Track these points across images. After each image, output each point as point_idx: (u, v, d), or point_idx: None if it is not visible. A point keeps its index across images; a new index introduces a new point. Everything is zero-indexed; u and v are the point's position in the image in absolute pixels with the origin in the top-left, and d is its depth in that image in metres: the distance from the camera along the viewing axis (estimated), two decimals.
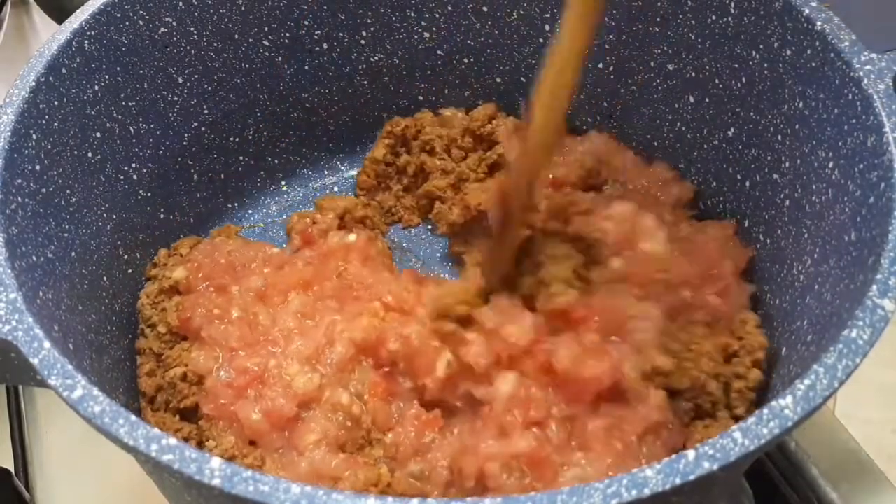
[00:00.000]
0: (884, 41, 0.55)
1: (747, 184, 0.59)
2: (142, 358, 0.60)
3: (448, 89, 0.73)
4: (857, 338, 0.39)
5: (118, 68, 0.59)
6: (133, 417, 0.38)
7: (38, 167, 0.52)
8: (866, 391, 0.69)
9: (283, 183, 0.75)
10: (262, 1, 0.66)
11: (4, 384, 0.70)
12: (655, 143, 0.67)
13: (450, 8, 0.68)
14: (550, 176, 0.65)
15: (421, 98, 0.74)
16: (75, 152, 0.56)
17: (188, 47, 0.64)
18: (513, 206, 0.53)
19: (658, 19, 0.62)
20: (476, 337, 0.53)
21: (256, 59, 0.68)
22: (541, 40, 0.68)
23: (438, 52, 0.71)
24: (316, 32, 0.69)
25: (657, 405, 0.50)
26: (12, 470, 0.64)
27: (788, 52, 0.54)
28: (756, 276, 0.59)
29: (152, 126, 0.64)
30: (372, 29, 0.70)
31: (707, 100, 0.61)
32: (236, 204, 0.73)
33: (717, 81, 0.60)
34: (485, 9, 0.68)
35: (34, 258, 0.49)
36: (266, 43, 0.68)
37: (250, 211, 0.74)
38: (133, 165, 0.63)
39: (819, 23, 0.51)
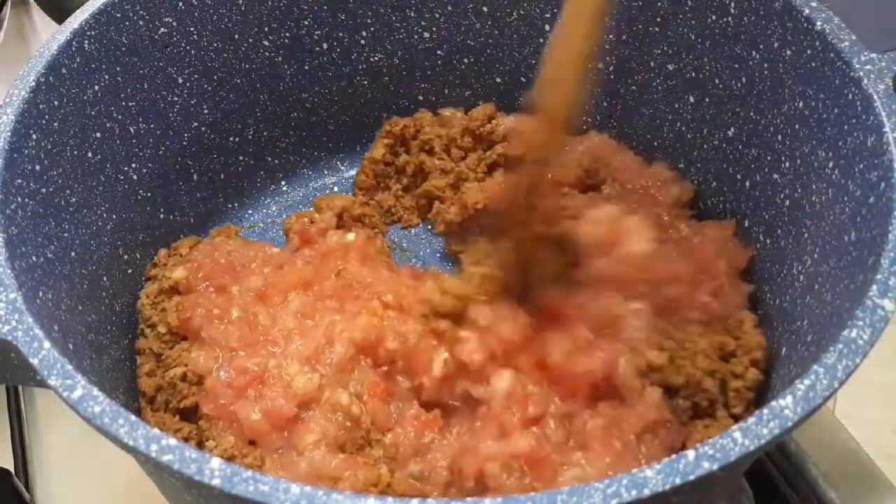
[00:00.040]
0: (884, 41, 0.55)
1: (747, 184, 0.59)
2: (142, 358, 0.60)
3: (448, 89, 0.73)
4: (857, 338, 0.39)
5: (118, 68, 0.59)
6: (133, 417, 0.38)
7: (38, 167, 0.52)
8: (866, 391, 0.69)
9: (283, 183, 0.75)
10: (262, 1, 0.66)
11: (4, 384, 0.70)
12: (655, 143, 0.67)
13: (450, 8, 0.68)
14: (549, 175, 0.65)
15: (421, 98, 0.74)
16: (75, 152, 0.56)
17: (188, 47, 0.64)
18: (520, 203, 0.53)
19: (658, 19, 0.62)
20: (470, 335, 0.53)
21: (256, 59, 0.68)
22: (541, 40, 0.68)
23: (438, 52, 0.71)
24: (316, 32, 0.69)
25: (654, 403, 0.50)
26: (12, 470, 0.64)
27: (788, 52, 0.54)
28: (756, 276, 0.59)
29: (152, 126, 0.64)
30: (372, 29, 0.70)
31: (707, 100, 0.61)
32: (236, 204, 0.73)
33: (717, 81, 0.60)
34: (485, 9, 0.68)
35: (34, 258, 0.49)
36: (266, 43, 0.68)
37: (250, 211, 0.74)
38: (133, 165, 0.63)
39: (819, 23, 0.51)
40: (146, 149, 0.64)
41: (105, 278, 0.59)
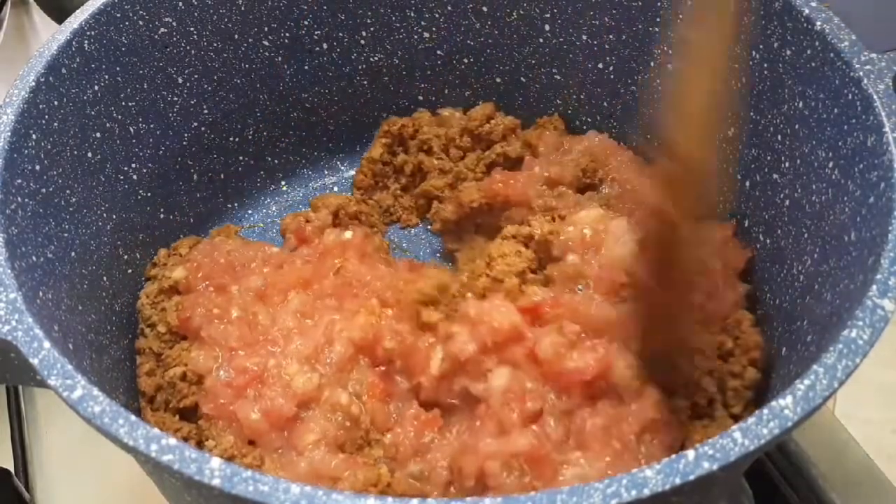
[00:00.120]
0: (884, 41, 0.55)
1: (747, 184, 0.59)
2: (141, 358, 0.60)
3: (448, 89, 0.73)
4: (857, 338, 0.39)
5: (118, 68, 0.59)
6: (133, 417, 0.38)
7: (38, 167, 0.52)
8: (866, 391, 0.69)
9: (282, 183, 0.75)
10: (262, 1, 0.66)
11: (4, 384, 0.70)
12: (655, 143, 0.67)
13: (450, 8, 0.68)
14: (546, 174, 0.65)
15: (421, 98, 0.74)
16: (75, 152, 0.56)
17: (188, 47, 0.64)
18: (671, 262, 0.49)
19: (658, 19, 0.62)
20: (460, 328, 0.53)
21: (256, 59, 0.68)
22: (541, 40, 0.68)
23: (438, 52, 0.71)
24: (316, 32, 0.69)
25: (653, 403, 0.50)
26: (12, 470, 0.64)
27: (788, 52, 0.53)
28: (756, 276, 0.59)
29: (152, 126, 0.64)
30: (372, 29, 0.70)
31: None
32: (236, 204, 0.73)
33: None
34: (485, 9, 0.68)
35: (34, 258, 0.49)
36: (266, 43, 0.68)
37: (250, 211, 0.74)
38: (133, 165, 0.63)
39: (819, 23, 0.51)
40: (146, 149, 0.64)
41: (105, 278, 0.59)
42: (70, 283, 0.53)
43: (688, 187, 0.47)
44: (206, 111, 0.68)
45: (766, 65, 0.56)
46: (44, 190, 0.52)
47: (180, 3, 0.62)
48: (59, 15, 0.87)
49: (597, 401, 0.51)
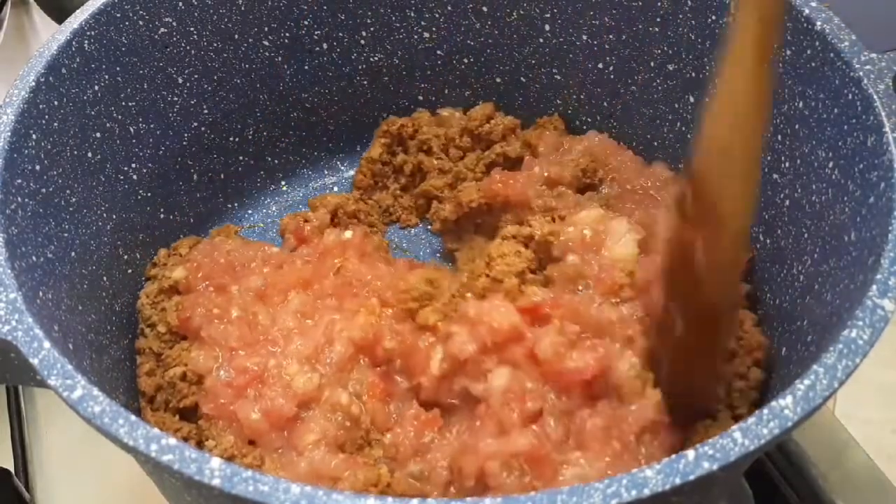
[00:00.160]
0: (884, 41, 0.55)
1: None
2: (141, 357, 0.60)
3: (448, 89, 0.73)
4: (857, 338, 0.39)
5: (118, 68, 0.59)
6: (133, 417, 0.38)
7: (38, 167, 0.52)
8: (866, 391, 0.69)
9: (283, 183, 0.75)
10: (262, 1, 0.66)
11: (4, 384, 0.70)
12: (655, 143, 0.67)
13: (450, 8, 0.68)
14: (546, 174, 0.65)
15: (421, 98, 0.74)
16: (75, 152, 0.56)
17: (188, 47, 0.64)
18: (706, 309, 0.47)
19: (658, 19, 0.62)
20: (460, 328, 0.53)
21: (256, 59, 0.68)
22: (541, 40, 0.68)
23: (438, 52, 0.71)
24: (316, 32, 0.69)
25: (654, 404, 0.50)
26: (12, 470, 0.64)
27: (788, 52, 0.53)
28: (756, 276, 0.59)
29: (152, 126, 0.64)
30: (372, 29, 0.70)
31: (707, 99, 0.61)
32: (236, 204, 0.73)
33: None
34: (485, 9, 0.68)
35: (34, 258, 0.49)
36: (266, 43, 0.68)
37: (250, 211, 0.74)
38: (133, 165, 0.63)
39: (819, 23, 0.51)
40: (146, 149, 0.64)
41: (105, 278, 0.59)
42: (70, 283, 0.53)
43: (718, 231, 0.44)
44: (206, 111, 0.68)
45: None
46: (44, 190, 0.52)
47: (180, 3, 0.62)
48: (59, 15, 0.87)
49: (597, 401, 0.51)
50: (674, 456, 0.35)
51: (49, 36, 0.55)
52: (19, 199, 0.49)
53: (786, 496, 0.60)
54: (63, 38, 0.55)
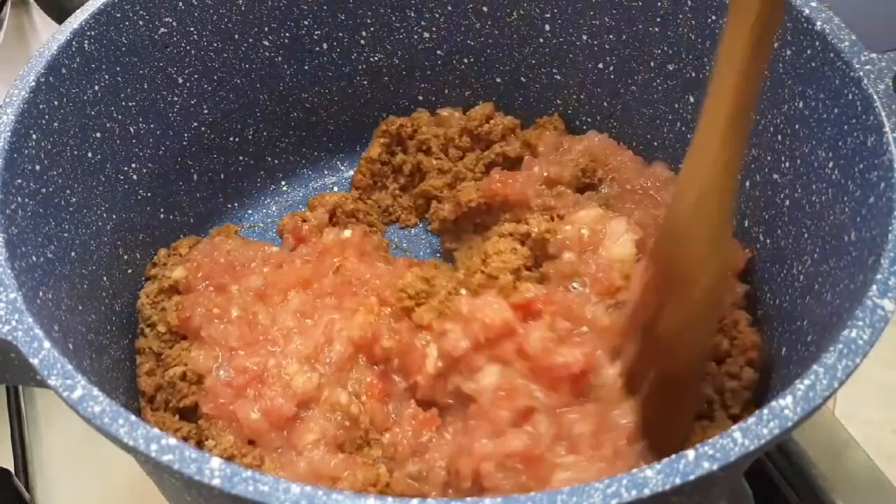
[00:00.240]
0: (884, 41, 0.55)
1: (747, 184, 0.59)
2: (141, 357, 0.60)
3: (448, 89, 0.73)
4: (857, 338, 0.39)
5: (118, 68, 0.59)
6: (133, 417, 0.38)
7: (38, 167, 0.52)
8: (866, 391, 0.69)
9: (283, 183, 0.75)
10: (262, 1, 0.66)
11: (4, 384, 0.70)
12: (655, 143, 0.67)
13: (450, 8, 0.68)
14: (545, 174, 0.65)
15: (421, 98, 0.74)
16: (75, 152, 0.56)
17: (188, 47, 0.64)
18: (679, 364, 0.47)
19: (658, 19, 0.62)
20: (454, 325, 0.53)
21: (256, 59, 0.68)
22: (541, 40, 0.68)
23: (438, 52, 0.71)
24: (316, 32, 0.69)
25: (633, 415, 0.50)
26: (12, 470, 0.64)
27: (788, 52, 0.53)
28: (756, 277, 0.59)
29: (152, 126, 0.64)
30: (372, 29, 0.70)
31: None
32: (236, 204, 0.73)
33: None
34: (485, 9, 0.68)
35: (34, 258, 0.49)
36: (266, 43, 0.68)
37: (250, 211, 0.74)
38: (133, 165, 0.63)
39: (819, 23, 0.51)
40: (146, 149, 0.64)
41: (105, 278, 0.59)
42: (70, 283, 0.53)
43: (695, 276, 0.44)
44: (206, 111, 0.68)
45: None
46: (44, 190, 0.52)
47: (180, 3, 0.62)
48: (59, 15, 0.87)
49: (584, 398, 0.51)
50: (674, 456, 0.35)
51: (49, 36, 0.55)
52: (19, 199, 0.49)
53: (786, 496, 0.60)
54: (63, 38, 0.55)
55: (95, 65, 0.57)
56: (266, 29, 0.67)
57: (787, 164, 0.55)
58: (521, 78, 0.71)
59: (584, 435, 0.49)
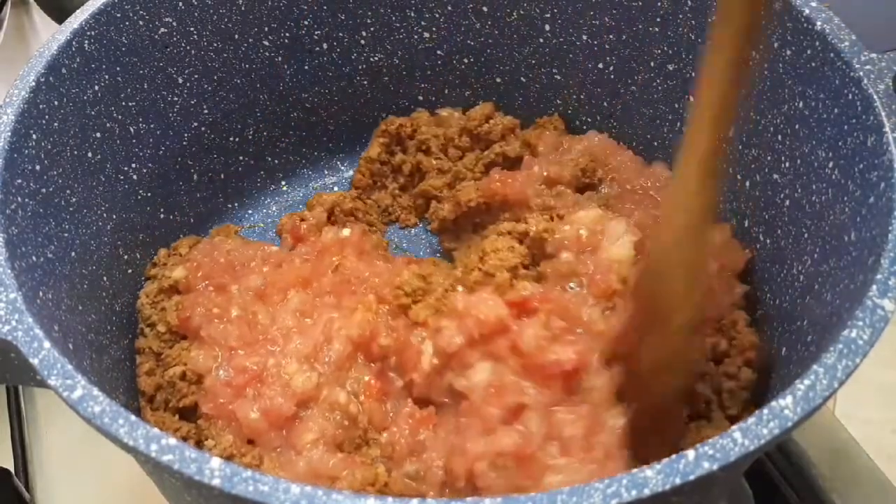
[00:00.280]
0: (884, 41, 0.55)
1: (747, 184, 0.59)
2: (141, 357, 0.60)
3: (448, 89, 0.73)
4: (857, 338, 0.39)
5: (118, 68, 0.59)
6: (133, 417, 0.38)
7: (38, 167, 0.52)
8: (866, 391, 0.69)
9: (283, 183, 0.75)
10: (262, 1, 0.66)
11: (4, 384, 0.70)
12: (655, 143, 0.67)
13: (450, 8, 0.68)
14: (545, 174, 0.65)
15: (421, 98, 0.74)
16: (75, 152, 0.56)
17: (188, 47, 0.64)
18: (665, 314, 0.47)
19: (658, 19, 0.62)
20: (449, 322, 0.53)
21: (256, 59, 0.68)
22: (541, 40, 0.68)
23: (438, 52, 0.71)
24: (316, 32, 0.69)
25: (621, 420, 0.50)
26: (12, 470, 0.64)
27: (788, 52, 0.53)
28: (756, 277, 0.59)
29: (152, 126, 0.64)
30: (372, 29, 0.70)
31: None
32: (236, 204, 0.73)
33: None
34: (485, 9, 0.68)
35: (34, 258, 0.49)
36: (266, 43, 0.68)
37: (250, 211, 0.74)
38: (133, 165, 0.63)
39: (819, 23, 0.51)
40: (146, 149, 0.64)
41: (105, 278, 0.59)
42: (70, 283, 0.53)
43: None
44: (206, 111, 0.68)
45: (766, 65, 0.56)
46: (44, 190, 0.52)
47: (180, 3, 0.62)
48: (59, 15, 0.87)
49: (576, 395, 0.50)
50: (674, 456, 0.35)
51: (49, 36, 0.55)
52: (19, 199, 0.49)
53: (786, 496, 0.60)
54: (63, 38, 0.55)
55: (95, 65, 0.57)
56: (266, 29, 0.67)
57: (787, 164, 0.55)
58: (521, 78, 0.71)
59: (576, 437, 0.49)
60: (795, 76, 0.53)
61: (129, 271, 0.63)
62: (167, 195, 0.67)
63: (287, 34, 0.68)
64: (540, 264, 0.58)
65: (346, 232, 0.65)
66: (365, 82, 0.73)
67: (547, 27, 0.67)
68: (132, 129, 0.62)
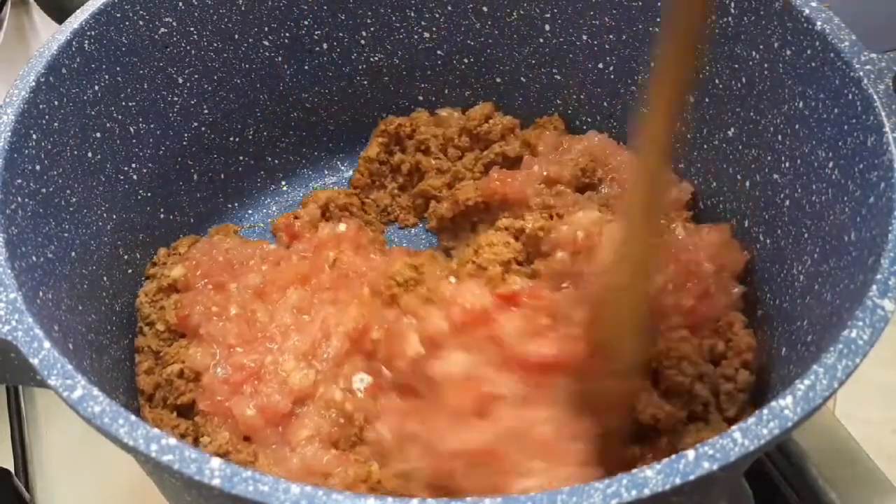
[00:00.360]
0: (884, 41, 0.55)
1: (747, 184, 0.59)
2: (140, 356, 0.60)
3: (448, 89, 0.73)
4: (857, 338, 0.39)
5: (118, 68, 0.59)
6: (133, 417, 0.38)
7: (38, 167, 0.52)
8: (866, 391, 0.69)
9: (283, 183, 0.75)
10: (262, 1, 0.66)
11: (4, 384, 0.70)
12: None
13: (450, 8, 0.68)
14: (545, 173, 0.65)
15: (420, 98, 0.74)
16: (75, 152, 0.56)
17: (188, 47, 0.64)
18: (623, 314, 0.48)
19: (658, 19, 0.62)
20: (434, 310, 0.53)
21: (256, 59, 0.68)
22: (541, 40, 0.68)
23: (438, 52, 0.71)
24: (316, 32, 0.69)
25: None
26: (12, 470, 0.64)
27: (788, 52, 0.53)
28: (756, 277, 0.59)
29: (152, 126, 0.64)
30: (372, 29, 0.70)
31: (707, 100, 0.61)
32: (236, 204, 0.73)
33: (717, 81, 0.60)
34: (485, 9, 0.68)
35: (34, 258, 0.49)
36: (266, 43, 0.68)
37: (250, 211, 0.74)
38: (133, 165, 0.63)
39: (819, 23, 0.51)
40: (146, 149, 0.64)
41: (105, 278, 0.59)
42: (70, 283, 0.53)
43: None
44: (206, 111, 0.68)
45: (766, 65, 0.56)
46: (44, 190, 0.52)
47: (180, 3, 0.62)
48: (59, 15, 0.87)
49: (551, 391, 0.50)
50: (674, 456, 0.35)
51: (49, 36, 0.55)
52: (19, 199, 0.49)
53: (786, 496, 0.60)
54: (63, 38, 0.55)
55: (95, 65, 0.57)
56: (266, 29, 0.67)
57: (787, 164, 0.55)
58: (521, 78, 0.71)
59: (550, 439, 0.48)
60: (795, 76, 0.53)
61: (129, 271, 0.63)
62: (167, 195, 0.67)
63: (287, 34, 0.68)
64: (534, 262, 0.58)
65: (342, 227, 0.65)
66: (365, 82, 0.73)
67: (547, 27, 0.67)
68: (132, 129, 0.62)
